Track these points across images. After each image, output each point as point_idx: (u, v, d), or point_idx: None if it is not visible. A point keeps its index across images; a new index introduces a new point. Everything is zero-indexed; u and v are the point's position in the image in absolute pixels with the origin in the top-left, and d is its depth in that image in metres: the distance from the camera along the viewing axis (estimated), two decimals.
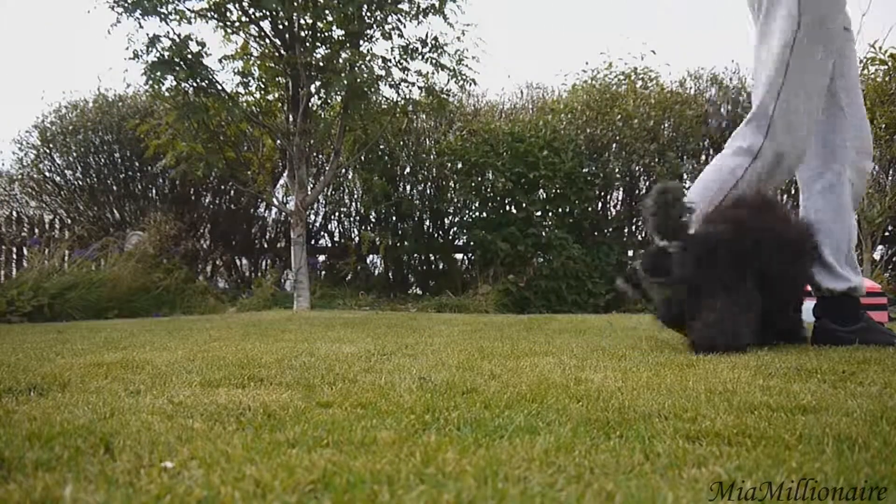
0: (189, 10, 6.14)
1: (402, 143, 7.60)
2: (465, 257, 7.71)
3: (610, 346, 2.54)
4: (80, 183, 8.20)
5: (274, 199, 7.38)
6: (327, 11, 6.27)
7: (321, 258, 8.06)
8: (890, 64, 6.15)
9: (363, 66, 6.25)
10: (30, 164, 8.25)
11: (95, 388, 1.47)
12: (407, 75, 6.53)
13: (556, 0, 16.07)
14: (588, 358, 2.13)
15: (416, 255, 7.86)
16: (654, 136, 7.09)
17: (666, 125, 7.26)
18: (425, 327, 3.61)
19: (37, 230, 7.56)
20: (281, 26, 6.37)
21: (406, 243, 7.59)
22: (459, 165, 7.22)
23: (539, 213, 6.95)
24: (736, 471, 0.88)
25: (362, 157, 7.22)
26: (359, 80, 6.08)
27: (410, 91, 6.63)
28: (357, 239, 7.65)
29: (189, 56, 6.02)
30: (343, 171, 7.49)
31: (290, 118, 6.61)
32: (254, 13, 6.30)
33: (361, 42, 6.39)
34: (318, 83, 6.48)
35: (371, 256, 7.91)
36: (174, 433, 1.05)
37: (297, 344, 2.60)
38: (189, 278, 7.02)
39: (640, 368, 1.89)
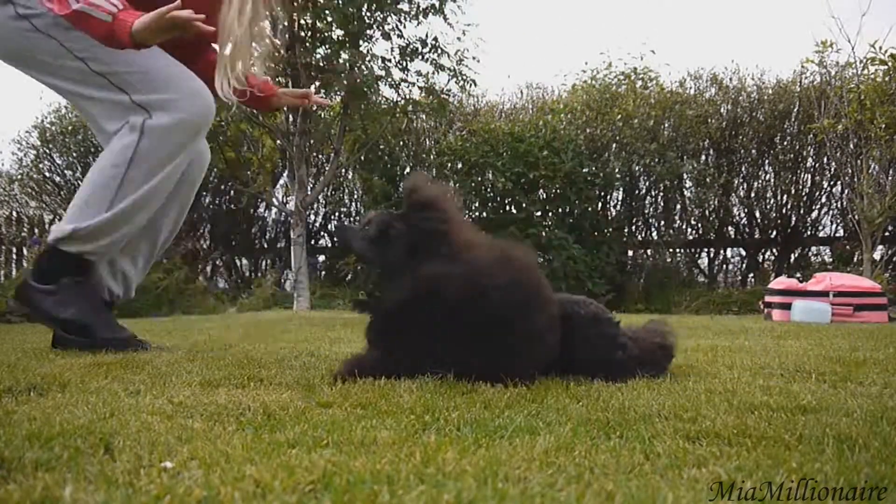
0: None
1: (402, 143, 7.60)
2: None
3: None
4: (80, 183, 8.20)
5: (274, 199, 7.38)
6: (327, 12, 6.27)
7: (321, 258, 8.06)
8: (890, 64, 6.13)
9: (363, 67, 6.24)
10: (30, 164, 8.26)
11: (95, 388, 1.47)
12: (407, 75, 6.53)
13: (556, 0, 16.06)
14: None
15: None
16: (654, 136, 7.09)
17: (666, 125, 7.26)
18: None
19: (37, 230, 7.56)
20: (281, 26, 6.36)
21: None
22: (459, 165, 7.23)
23: (539, 213, 6.95)
24: (736, 471, 0.88)
25: (362, 157, 7.22)
26: (358, 80, 6.07)
27: (410, 91, 6.63)
28: None
29: None
30: (343, 171, 7.49)
31: (290, 118, 6.61)
32: None
33: (361, 42, 6.39)
34: (317, 83, 6.48)
35: None
36: (174, 433, 1.05)
37: (297, 344, 2.60)
38: (189, 278, 7.01)
39: None
